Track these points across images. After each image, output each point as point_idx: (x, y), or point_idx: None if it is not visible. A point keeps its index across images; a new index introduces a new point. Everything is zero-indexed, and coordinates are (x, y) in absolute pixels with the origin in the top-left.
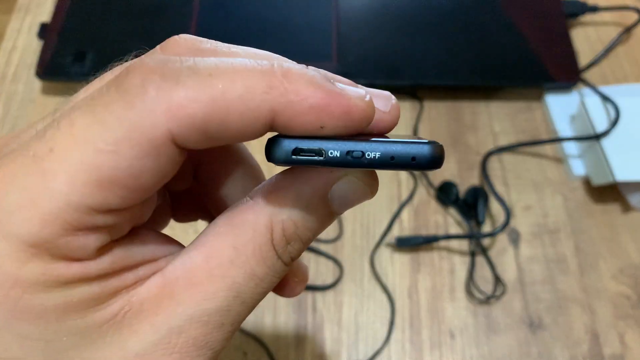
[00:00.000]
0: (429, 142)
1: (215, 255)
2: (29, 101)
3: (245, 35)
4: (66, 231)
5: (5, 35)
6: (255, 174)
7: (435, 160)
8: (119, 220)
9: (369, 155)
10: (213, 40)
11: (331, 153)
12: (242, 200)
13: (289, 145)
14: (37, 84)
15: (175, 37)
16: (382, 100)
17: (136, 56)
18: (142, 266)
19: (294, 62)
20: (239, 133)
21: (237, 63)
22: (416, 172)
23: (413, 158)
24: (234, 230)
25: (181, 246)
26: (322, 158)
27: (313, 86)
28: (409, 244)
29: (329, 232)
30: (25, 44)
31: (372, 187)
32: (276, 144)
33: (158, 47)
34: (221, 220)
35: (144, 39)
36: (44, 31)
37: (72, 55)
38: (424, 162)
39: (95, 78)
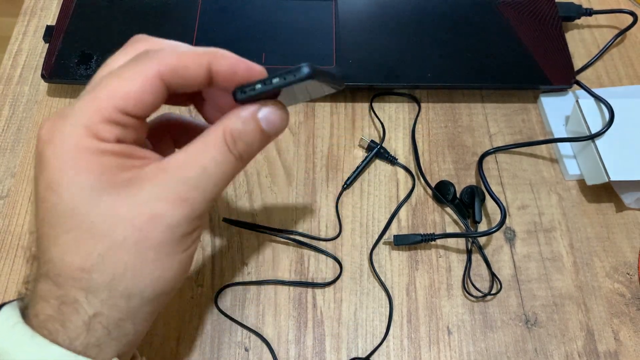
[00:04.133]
0: (306, 65)
1: (191, 151)
2: (34, 102)
3: (247, 38)
4: (103, 122)
5: (11, 38)
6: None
7: (310, 75)
8: (130, 124)
9: (277, 82)
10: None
11: (256, 87)
12: (209, 126)
13: (238, 93)
14: (43, 85)
15: (138, 36)
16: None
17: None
18: (144, 159)
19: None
20: (194, 83)
21: (189, 47)
22: (414, 172)
23: (295, 76)
24: (204, 136)
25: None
26: (255, 90)
27: (233, 59)
28: (407, 242)
29: (329, 231)
30: (30, 47)
31: (283, 111)
32: (234, 94)
33: (132, 42)
34: (196, 138)
35: None
36: (49, 34)
37: (77, 57)
38: (305, 75)
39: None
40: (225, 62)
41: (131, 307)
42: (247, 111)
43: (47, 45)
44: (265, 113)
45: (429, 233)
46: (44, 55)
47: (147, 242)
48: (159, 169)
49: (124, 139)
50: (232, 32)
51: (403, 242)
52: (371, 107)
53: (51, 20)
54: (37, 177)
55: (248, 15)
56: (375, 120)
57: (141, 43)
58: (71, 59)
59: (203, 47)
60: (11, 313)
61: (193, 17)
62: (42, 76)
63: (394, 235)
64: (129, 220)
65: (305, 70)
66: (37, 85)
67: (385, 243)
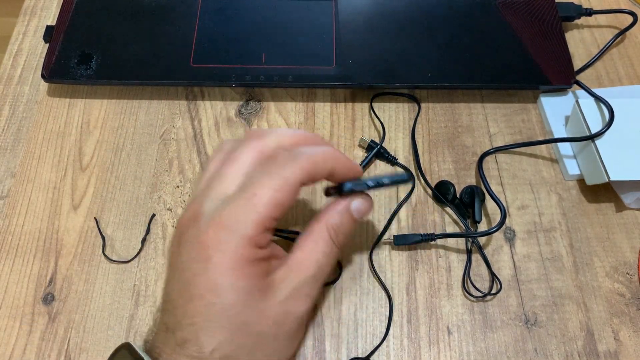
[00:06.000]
0: (406, 173)
1: (305, 248)
2: (34, 103)
3: (247, 38)
4: (263, 231)
5: (11, 38)
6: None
7: (412, 178)
8: (275, 225)
9: (385, 182)
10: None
11: (368, 184)
12: (312, 220)
13: (349, 185)
14: (43, 85)
15: (252, 131)
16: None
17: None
18: (277, 259)
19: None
20: (322, 177)
21: (317, 152)
22: (415, 172)
23: (401, 180)
24: (312, 234)
25: (286, 251)
26: (366, 186)
27: (346, 160)
28: (407, 242)
29: None
30: (31, 47)
31: (370, 202)
32: (342, 185)
33: (250, 139)
34: (304, 233)
35: (149, 40)
36: (49, 34)
37: (77, 57)
38: (407, 180)
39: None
40: (345, 167)
41: None
42: (344, 207)
43: (47, 45)
44: (357, 205)
45: (428, 233)
46: (44, 55)
47: (283, 334)
48: (288, 271)
49: (271, 238)
50: (232, 32)
51: (403, 242)
52: (371, 107)
53: (51, 20)
54: (197, 276)
55: (248, 15)
56: (375, 120)
57: (267, 140)
58: (71, 59)
59: (322, 147)
60: None
61: (193, 17)
62: (42, 76)
63: (394, 235)
64: (271, 317)
65: (406, 177)
66: (37, 85)
67: (385, 243)
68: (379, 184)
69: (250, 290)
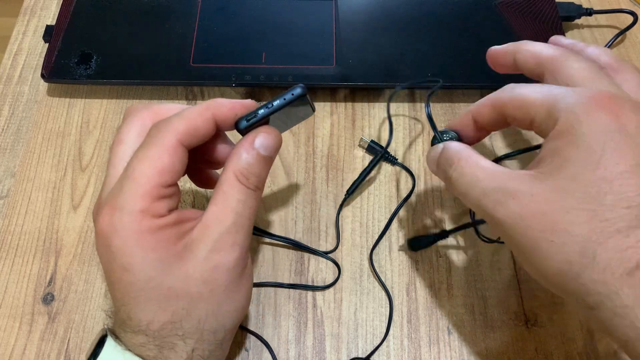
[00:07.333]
0: (299, 86)
1: (219, 201)
2: (34, 102)
3: (247, 38)
4: (154, 201)
5: (11, 38)
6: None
7: (305, 92)
8: (173, 191)
9: (275, 103)
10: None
11: (259, 113)
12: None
13: (243, 122)
14: (43, 85)
15: (130, 108)
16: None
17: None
18: (191, 221)
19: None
20: (205, 136)
21: (191, 108)
22: (415, 172)
23: (296, 97)
24: (221, 185)
25: (203, 211)
26: (259, 116)
27: (230, 102)
28: (423, 245)
29: (329, 230)
30: (30, 46)
31: (274, 133)
32: (237, 125)
33: (129, 116)
34: (215, 188)
35: (149, 40)
36: (49, 33)
37: (77, 57)
38: (301, 93)
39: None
40: (225, 108)
41: (218, 338)
42: (244, 148)
43: (47, 44)
44: (260, 141)
45: (439, 232)
46: (43, 55)
47: (216, 289)
48: (204, 228)
49: (173, 205)
50: (232, 32)
51: (418, 245)
52: (388, 108)
53: (51, 19)
54: (110, 262)
55: (248, 15)
56: (385, 122)
57: (144, 112)
58: (71, 59)
59: (199, 104)
60: (116, 343)
61: (193, 17)
62: (42, 76)
63: (408, 240)
64: (197, 277)
65: (300, 90)
66: (37, 85)
67: (384, 243)
68: (270, 109)
69: (163, 258)
